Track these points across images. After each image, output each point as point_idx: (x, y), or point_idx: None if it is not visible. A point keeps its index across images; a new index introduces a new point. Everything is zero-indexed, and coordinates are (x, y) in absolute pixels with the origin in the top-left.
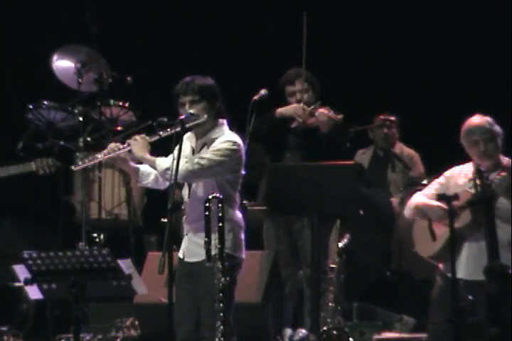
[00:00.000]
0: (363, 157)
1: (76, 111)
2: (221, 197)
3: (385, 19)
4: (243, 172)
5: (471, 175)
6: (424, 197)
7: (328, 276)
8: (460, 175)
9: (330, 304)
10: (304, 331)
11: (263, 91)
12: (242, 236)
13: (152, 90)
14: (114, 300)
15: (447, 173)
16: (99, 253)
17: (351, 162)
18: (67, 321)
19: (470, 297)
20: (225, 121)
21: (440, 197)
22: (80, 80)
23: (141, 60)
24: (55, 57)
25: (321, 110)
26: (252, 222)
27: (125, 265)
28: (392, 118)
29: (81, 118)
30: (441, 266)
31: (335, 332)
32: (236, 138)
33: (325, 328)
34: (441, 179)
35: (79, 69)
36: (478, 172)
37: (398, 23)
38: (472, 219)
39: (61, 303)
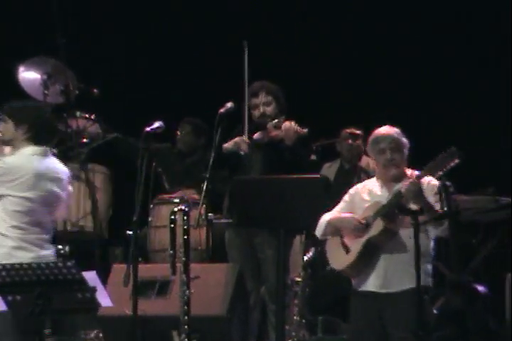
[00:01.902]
0: (330, 170)
1: None
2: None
3: (385, 20)
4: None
5: (374, 190)
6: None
7: (292, 289)
8: (364, 190)
9: (295, 317)
10: None
11: (229, 104)
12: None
13: (119, 102)
14: (78, 312)
15: (351, 191)
16: (64, 265)
17: (318, 175)
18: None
19: (435, 311)
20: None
21: (403, 210)
22: (46, 92)
23: (107, 71)
24: (21, 69)
25: (288, 124)
26: (216, 235)
27: (90, 277)
28: (358, 131)
29: None
30: (353, 281)
31: None
32: (10, 158)
33: None
34: (346, 197)
35: (45, 80)
36: (443, 187)
37: (398, 24)
38: (384, 226)
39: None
